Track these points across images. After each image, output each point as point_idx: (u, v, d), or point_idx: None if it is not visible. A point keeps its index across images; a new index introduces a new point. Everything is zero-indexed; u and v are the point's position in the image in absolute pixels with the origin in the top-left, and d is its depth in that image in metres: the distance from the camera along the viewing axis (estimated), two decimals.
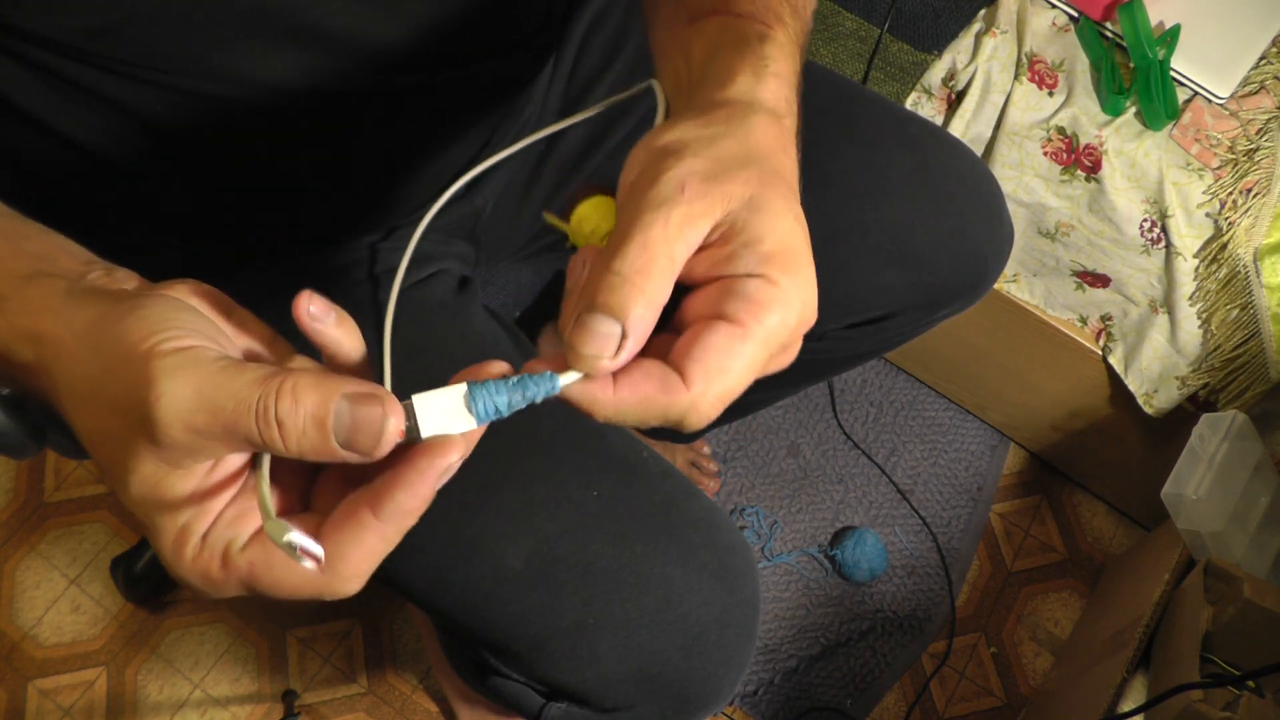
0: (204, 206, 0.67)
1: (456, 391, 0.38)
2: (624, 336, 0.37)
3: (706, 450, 1.46)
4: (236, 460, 0.39)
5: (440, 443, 0.37)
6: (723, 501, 1.45)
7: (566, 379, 0.38)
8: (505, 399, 0.38)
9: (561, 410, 0.71)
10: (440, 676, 1.27)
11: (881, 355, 1.30)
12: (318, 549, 0.35)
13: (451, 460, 0.37)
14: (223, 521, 0.38)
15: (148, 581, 1.28)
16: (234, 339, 0.41)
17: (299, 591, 0.38)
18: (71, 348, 0.38)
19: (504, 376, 0.39)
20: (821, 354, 0.92)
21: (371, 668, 1.32)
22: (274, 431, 0.35)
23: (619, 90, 0.81)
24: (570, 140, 0.81)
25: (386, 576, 0.70)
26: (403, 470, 0.37)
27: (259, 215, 0.68)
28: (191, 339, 0.37)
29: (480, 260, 0.83)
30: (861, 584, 1.41)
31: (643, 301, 0.37)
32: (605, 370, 0.38)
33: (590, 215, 0.45)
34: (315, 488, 0.41)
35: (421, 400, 0.37)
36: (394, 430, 0.36)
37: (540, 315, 1.51)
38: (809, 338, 0.98)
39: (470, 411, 0.38)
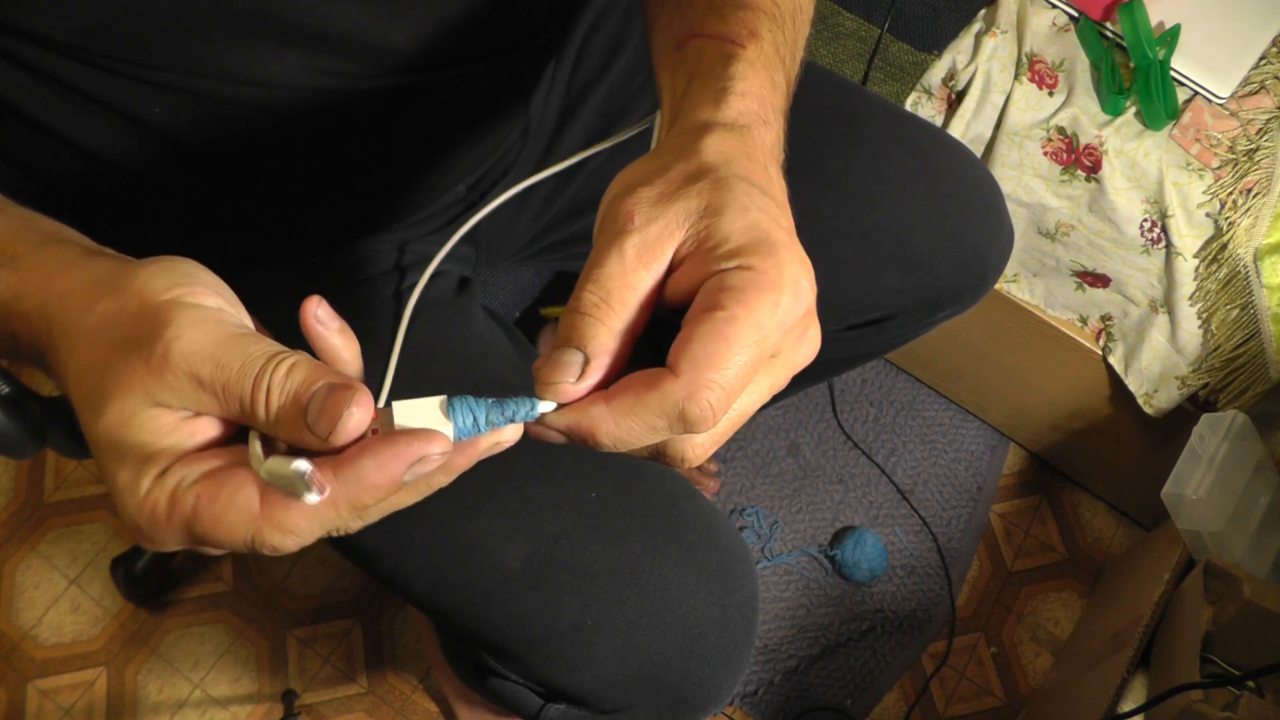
0: (203, 207, 0.67)
1: (435, 401, 0.38)
2: (586, 362, 0.38)
3: None
4: (213, 420, 0.38)
5: (423, 432, 0.37)
6: (723, 501, 1.45)
7: (544, 406, 0.39)
8: (484, 414, 0.39)
9: None
10: (440, 676, 1.27)
11: (882, 356, 1.30)
12: (322, 481, 0.35)
13: (430, 451, 0.36)
14: (182, 460, 0.37)
15: (148, 581, 1.28)
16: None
17: (234, 533, 0.36)
18: (83, 293, 0.39)
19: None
20: (821, 355, 0.92)
21: (371, 668, 1.32)
22: (261, 396, 0.36)
23: (619, 91, 0.81)
24: (570, 142, 0.81)
25: (386, 577, 0.70)
26: (377, 441, 0.36)
27: (259, 216, 0.68)
28: (214, 299, 0.38)
29: (480, 261, 0.83)
30: (861, 584, 1.41)
31: (603, 330, 0.38)
32: (570, 393, 0.38)
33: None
34: None
35: (401, 405, 0.38)
36: (356, 421, 0.35)
37: (540, 316, 1.51)
38: None
39: (448, 420, 0.38)
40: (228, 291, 0.40)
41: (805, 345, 0.41)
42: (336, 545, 0.73)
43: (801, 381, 1.10)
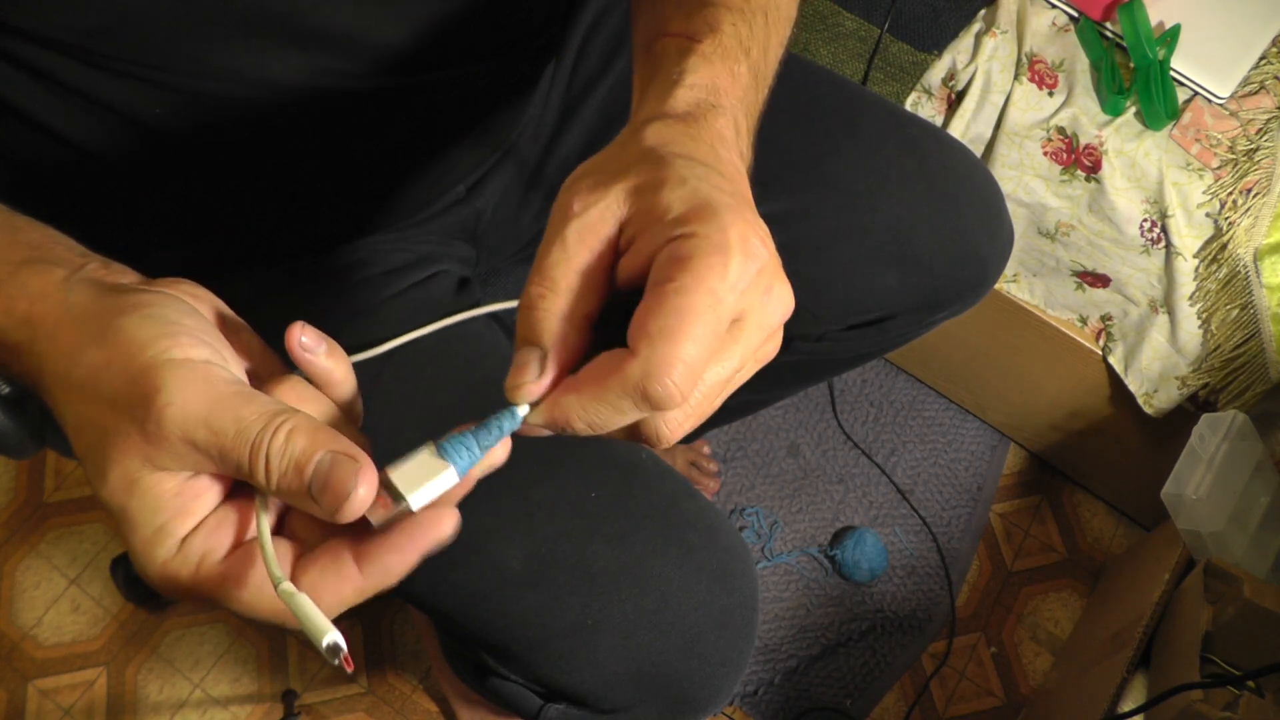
0: (203, 208, 0.67)
1: (425, 452, 0.39)
2: (544, 356, 0.38)
3: (706, 450, 1.46)
4: (213, 483, 0.39)
5: (436, 516, 0.38)
6: (723, 501, 1.45)
7: (521, 411, 0.39)
8: (476, 444, 0.39)
9: None
10: (440, 676, 1.27)
11: (881, 356, 1.30)
12: (350, 659, 0.36)
13: (445, 534, 0.37)
14: (204, 529, 0.38)
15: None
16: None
17: (260, 616, 0.38)
18: (68, 334, 0.39)
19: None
20: (821, 355, 0.92)
21: (371, 668, 1.32)
22: (260, 465, 0.36)
23: (619, 91, 0.81)
24: (570, 142, 0.81)
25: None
26: (395, 536, 0.37)
27: (258, 216, 0.68)
28: (202, 349, 0.38)
29: (480, 262, 0.83)
30: (861, 584, 1.41)
31: (552, 319, 0.39)
32: (536, 391, 0.39)
33: None
34: (291, 512, 0.41)
35: (398, 473, 0.38)
36: (362, 498, 0.36)
37: None
38: (809, 339, 0.98)
39: (445, 460, 0.39)
40: (212, 331, 0.40)
41: (774, 303, 0.39)
42: None
43: (802, 381, 1.11)
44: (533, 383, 0.39)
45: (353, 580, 0.37)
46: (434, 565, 0.65)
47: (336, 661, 0.35)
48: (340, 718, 1.29)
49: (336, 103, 0.61)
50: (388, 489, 0.38)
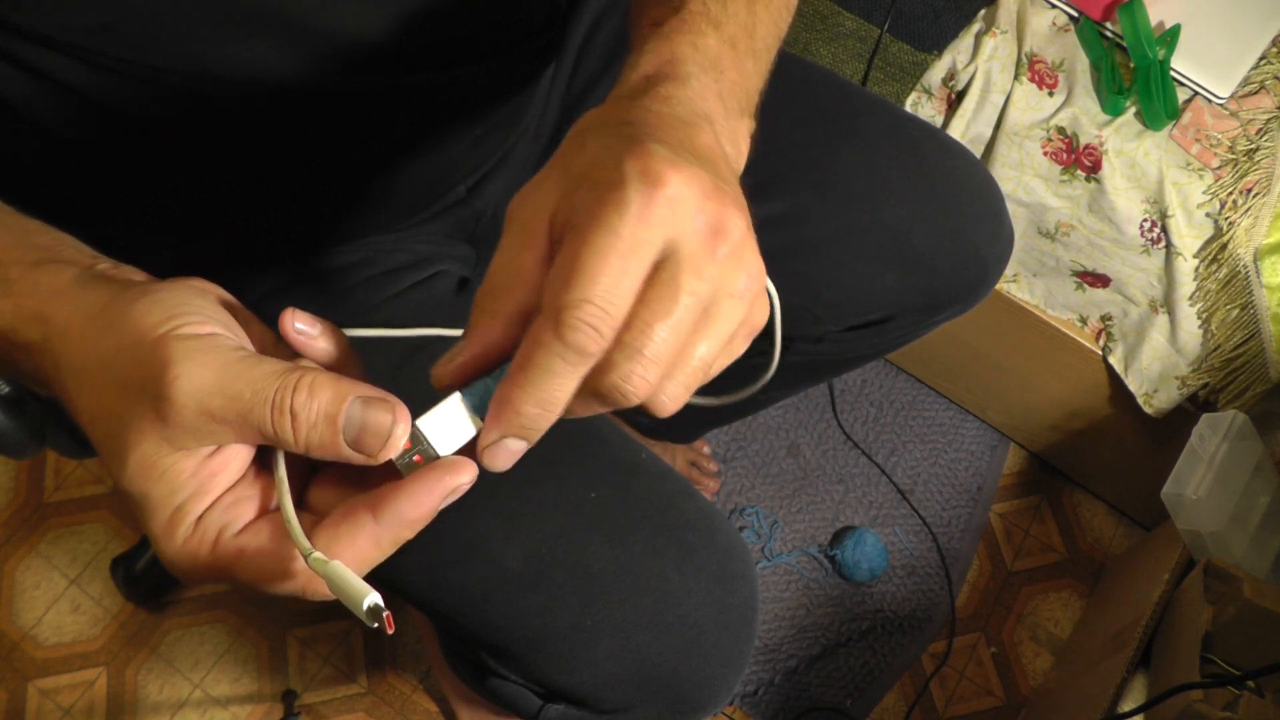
0: (202, 207, 0.67)
1: (454, 401, 0.38)
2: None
3: (706, 450, 1.46)
4: (237, 450, 0.39)
5: (453, 462, 0.37)
6: (723, 501, 1.45)
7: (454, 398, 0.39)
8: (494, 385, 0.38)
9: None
10: (440, 676, 1.27)
11: (882, 357, 1.30)
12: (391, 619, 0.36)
13: (462, 481, 0.37)
14: (220, 506, 0.38)
15: (148, 581, 1.28)
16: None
17: (280, 588, 0.38)
18: (80, 328, 0.39)
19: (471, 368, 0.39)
20: (821, 356, 0.92)
21: (371, 668, 1.32)
22: (286, 422, 0.36)
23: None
24: None
25: (385, 577, 0.70)
26: (411, 480, 0.37)
27: (258, 216, 0.68)
28: (210, 326, 0.38)
29: (480, 261, 0.83)
30: (861, 584, 1.41)
31: (486, 317, 0.38)
32: (445, 372, 0.38)
33: None
34: (312, 486, 0.41)
35: (425, 422, 0.38)
36: (401, 435, 0.36)
37: None
38: (809, 340, 0.98)
39: (473, 413, 0.38)
40: (222, 313, 0.40)
41: (709, 235, 0.36)
42: None
43: (802, 382, 1.11)
44: (442, 365, 0.38)
45: (369, 531, 0.36)
46: (434, 565, 0.66)
47: (376, 624, 0.35)
48: (340, 718, 1.29)
49: (336, 103, 0.61)
50: (413, 439, 0.37)
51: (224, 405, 0.35)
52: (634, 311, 0.35)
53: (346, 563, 0.36)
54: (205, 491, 0.37)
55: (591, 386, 0.36)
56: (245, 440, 0.37)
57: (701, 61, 0.46)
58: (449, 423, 0.38)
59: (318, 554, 0.36)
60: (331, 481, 0.41)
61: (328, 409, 0.36)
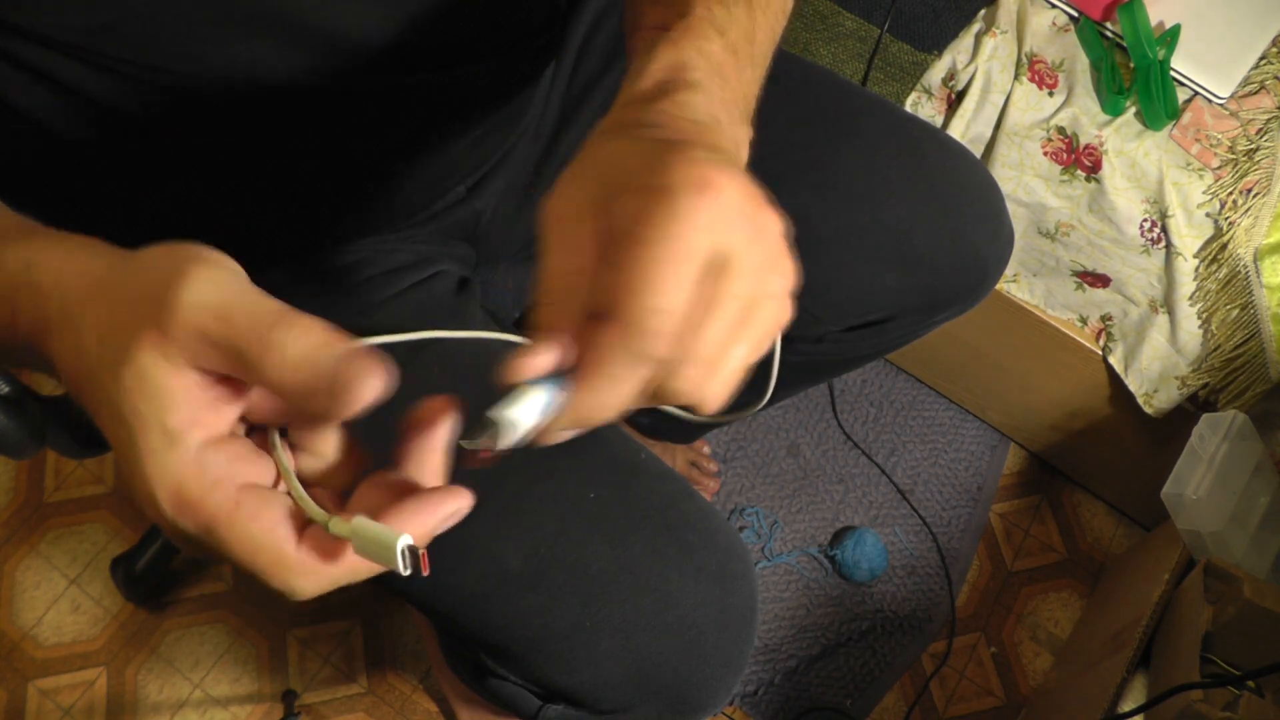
0: (202, 207, 0.67)
1: (525, 395, 0.38)
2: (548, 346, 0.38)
3: (706, 450, 1.46)
4: (230, 394, 0.37)
5: (451, 490, 0.38)
6: (723, 501, 1.45)
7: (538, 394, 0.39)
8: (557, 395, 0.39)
9: None
10: (440, 676, 1.27)
11: (881, 357, 1.30)
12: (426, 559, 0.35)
13: (461, 506, 0.38)
14: (225, 453, 0.36)
15: (148, 581, 1.28)
16: None
17: (258, 560, 0.36)
18: (100, 266, 0.38)
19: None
20: (821, 356, 0.92)
21: (371, 668, 1.32)
22: (272, 357, 0.35)
23: (618, 92, 0.81)
24: (570, 143, 0.81)
25: (384, 577, 0.70)
26: (414, 502, 0.37)
27: (258, 216, 0.68)
28: (230, 263, 0.37)
29: (480, 262, 0.83)
30: (861, 584, 1.41)
31: (551, 315, 0.39)
32: (527, 367, 0.38)
33: None
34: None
35: (497, 412, 0.38)
36: (368, 395, 0.35)
37: None
38: (809, 340, 0.98)
39: (541, 408, 0.39)
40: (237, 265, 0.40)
41: (754, 240, 0.38)
42: None
43: (802, 382, 1.11)
44: (526, 357, 0.38)
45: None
46: (433, 565, 0.66)
47: (409, 570, 0.34)
48: (340, 718, 1.29)
49: (337, 103, 0.61)
50: (484, 426, 0.38)
51: (220, 328, 0.35)
52: (687, 315, 0.36)
53: (338, 571, 0.36)
54: (199, 422, 0.36)
55: (647, 386, 0.38)
56: (231, 370, 0.36)
57: (708, 68, 0.47)
58: (518, 415, 0.38)
59: (337, 518, 0.35)
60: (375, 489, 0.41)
61: (311, 351, 0.35)
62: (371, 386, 0.35)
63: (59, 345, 0.38)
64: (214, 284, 0.35)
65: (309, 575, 0.37)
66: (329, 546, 0.37)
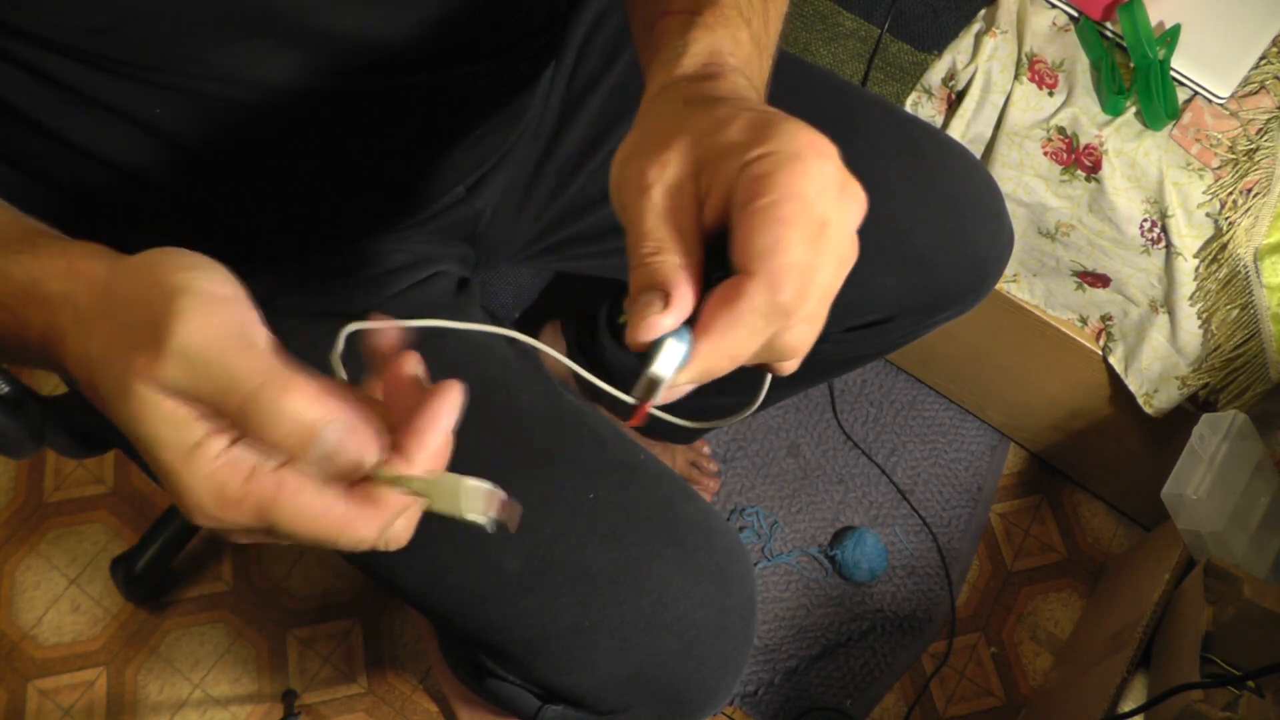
0: (203, 208, 0.67)
1: (664, 348, 0.39)
2: (665, 294, 0.39)
3: (706, 450, 1.46)
4: None
5: (450, 384, 0.38)
6: (723, 501, 1.45)
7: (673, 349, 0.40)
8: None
9: (558, 414, 0.71)
10: (440, 676, 1.27)
11: (881, 357, 1.30)
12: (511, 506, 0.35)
13: (459, 398, 0.38)
14: (248, 444, 0.36)
15: (148, 581, 1.28)
16: None
17: (317, 527, 0.36)
18: (106, 275, 0.39)
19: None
20: (821, 356, 0.91)
21: (371, 668, 1.32)
22: (249, 422, 0.35)
23: (619, 91, 0.81)
24: (570, 142, 0.81)
25: (383, 577, 0.70)
26: (421, 413, 0.37)
27: (259, 217, 0.68)
28: (225, 289, 0.37)
29: (480, 262, 0.83)
30: (861, 584, 1.41)
31: (669, 267, 0.40)
32: (659, 324, 0.39)
33: None
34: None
35: (655, 368, 0.39)
36: (366, 465, 0.36)
37: (540, 317, 1.51)
38: None
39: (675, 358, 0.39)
40: (238, 286, 0.39)
41: (849, 202, 0.40)
42: None
43: (801, 382, 1.11)
44: (657, 315, 0.39)
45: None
46: (432, 565, 0.66)
47: (489, 517, 0.34)
48: (340, 718, 1.29)
49: (336, 103, 0.61)
50: (646, 385, 0.39)
51: (197, 384, 0.35)
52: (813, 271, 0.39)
53: (391, 513, 0.36)
54: (218, 430, 0.36)
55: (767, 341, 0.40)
56: (215, 413, 0.36)
57: (738, 56, 0.49)
58: (662, 369, 0.39)
59: (386, 469, 0.36)
60: None
61: (295, 426, 0.35)
62: (367, 460, 0.36)
63: (74, 353, 0.39)
64: (201, 327, 0.35)
65: (369, 522, 0.37)
66: (372, 493, 0.37)
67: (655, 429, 1.33)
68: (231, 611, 1.33)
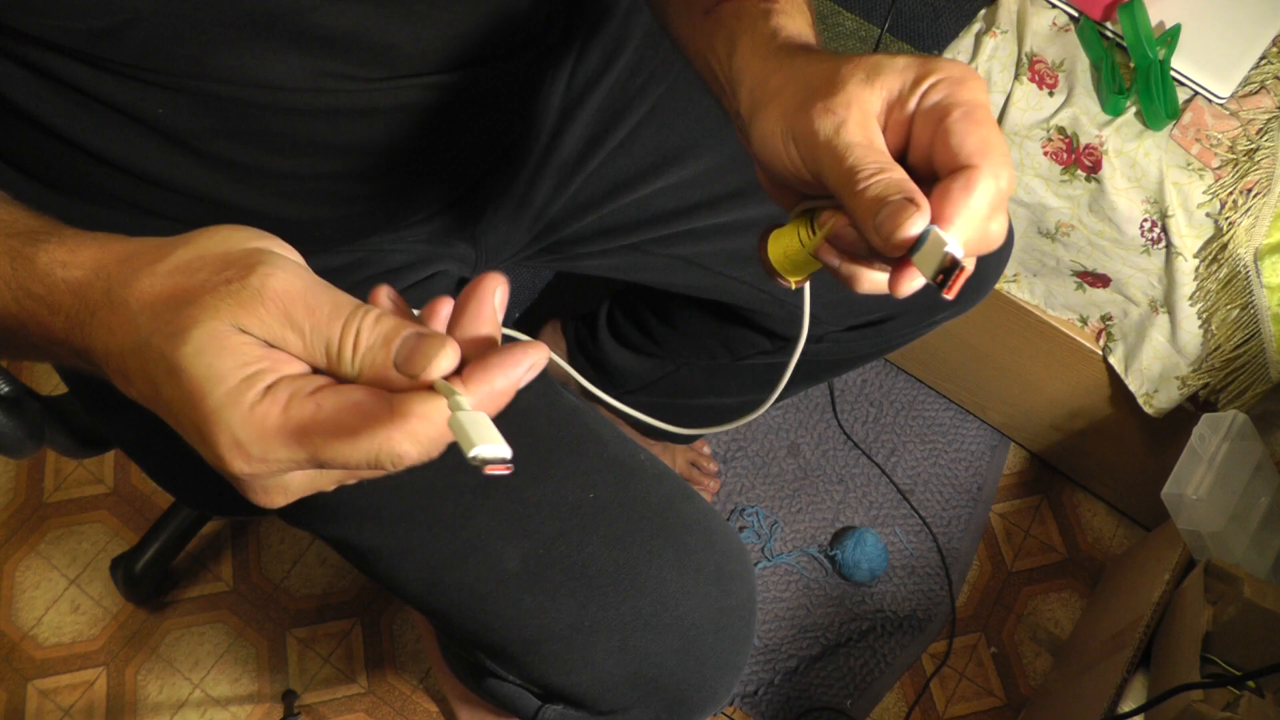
0: (204, 208, 0.67)
1: (939, 235, 0.43)
2: (910, 198, 0.43)
3: (706, 450, 1.46)
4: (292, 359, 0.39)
5: (531, 344, 0.39)
6: (723, 501, 1.45)
7: (952, 245, 0.43)
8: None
9: (558, 414, 0.71)
10: (440, 676, 1.27)
11: (881, 357, 1.30)
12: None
13: (541, 358, 0.39)
14: (287, 380, 0.37)
15: (148, 581, 1.28)
16: None
17: (358, 444, 0.36)
18: (149, 251, 0.40)
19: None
20: (821, 355, 0.92)
21: (371, 668, 1.32)
22: (350, 339, 0.37)
23: (619, 91, 0.81)
24: (570, 142, 0.81)
25: (383, 577, 0.70)
26: (501, 355, 0.38)
27: (260, 217, 0.68)
28: (296, 256, 0.40)
29: (480, 262, 0.83)
30: (861, 584, 1.41)
31: (899, 175, 0.44)
32: (917, 222, 0.43)
33: (777, 244, 0.54)
34: None
35: (948, 249, 0.43)
36: (447, 365, 0.37)
37: (540, 316, 1.51)
38: (809, 339, 0.98)
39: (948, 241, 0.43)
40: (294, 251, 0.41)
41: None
42: (334, 545, 0.73)
43: (802, 382, 1.11)
44: (919, 213, 0.43)
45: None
46: (432, 565, 0.66)
47: (481, 465, 0.36)
48: (340, 718, 1.29)
49: (338, 104, 0.61)
50: (950, 268, 0.42)
51: (303, 314, 0.37)
52: None
53: (433, 427, 0.36)
54: (278, 367, 0.37)
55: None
56: (306, 353, 0.38)
57: (811, 20, 0.55)
58: (953, 248, 0.43)
59: (458, 396, 0.36)
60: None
61: (388, 333, 0.37)
62: (447, 357, 0.37)
63: (107, 325, 0.39)
64: (297, 274, 0.38)
65: (407, 436, 0.36)
66: (410, 407, 0.37)
67: (656, 429, 1.33)
68: (231, 611, 1.33)
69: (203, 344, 0.36)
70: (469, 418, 0.36)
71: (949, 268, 0.42)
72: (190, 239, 0.39)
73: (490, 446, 0.36)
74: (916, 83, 0.45)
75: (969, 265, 0.42)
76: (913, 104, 0.45)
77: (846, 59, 0.47)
